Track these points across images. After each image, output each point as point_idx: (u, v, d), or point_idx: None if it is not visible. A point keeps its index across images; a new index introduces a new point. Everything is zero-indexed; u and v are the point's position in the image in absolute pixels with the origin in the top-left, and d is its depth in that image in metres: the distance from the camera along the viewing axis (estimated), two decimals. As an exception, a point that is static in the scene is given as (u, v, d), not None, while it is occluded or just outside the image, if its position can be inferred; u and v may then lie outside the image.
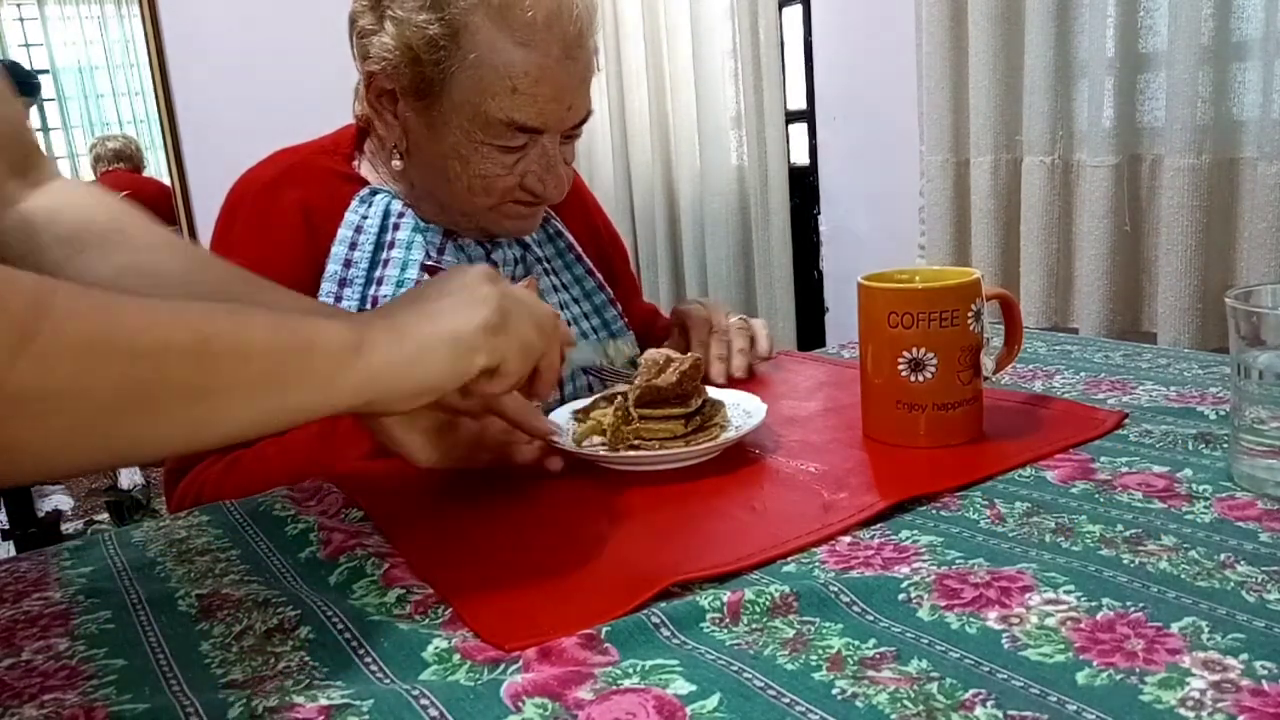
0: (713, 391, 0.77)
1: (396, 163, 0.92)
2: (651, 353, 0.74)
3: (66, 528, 2.61)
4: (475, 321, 0.56)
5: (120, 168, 2.77)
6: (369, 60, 0.87)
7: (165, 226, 0.70)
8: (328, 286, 0.90)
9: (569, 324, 1.00)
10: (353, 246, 0.92)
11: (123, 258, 0.65)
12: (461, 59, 0.82)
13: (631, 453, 0.70)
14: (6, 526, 2.06)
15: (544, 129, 0.86)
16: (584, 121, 0.90)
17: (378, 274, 0.91)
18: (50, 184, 0.69)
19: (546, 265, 1.02)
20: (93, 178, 2.69)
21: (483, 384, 0.58)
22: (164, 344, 0.43)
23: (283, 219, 0.91)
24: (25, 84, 2.67)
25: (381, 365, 0.52)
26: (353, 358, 0.51)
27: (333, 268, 0.91)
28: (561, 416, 0.78)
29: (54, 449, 0.40)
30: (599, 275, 1.06)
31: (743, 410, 0.76)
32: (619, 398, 0.73)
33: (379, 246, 0.92)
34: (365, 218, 0.92)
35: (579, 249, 1.06)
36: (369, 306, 0.90)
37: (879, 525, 0.58)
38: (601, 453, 0.71)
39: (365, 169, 0.97)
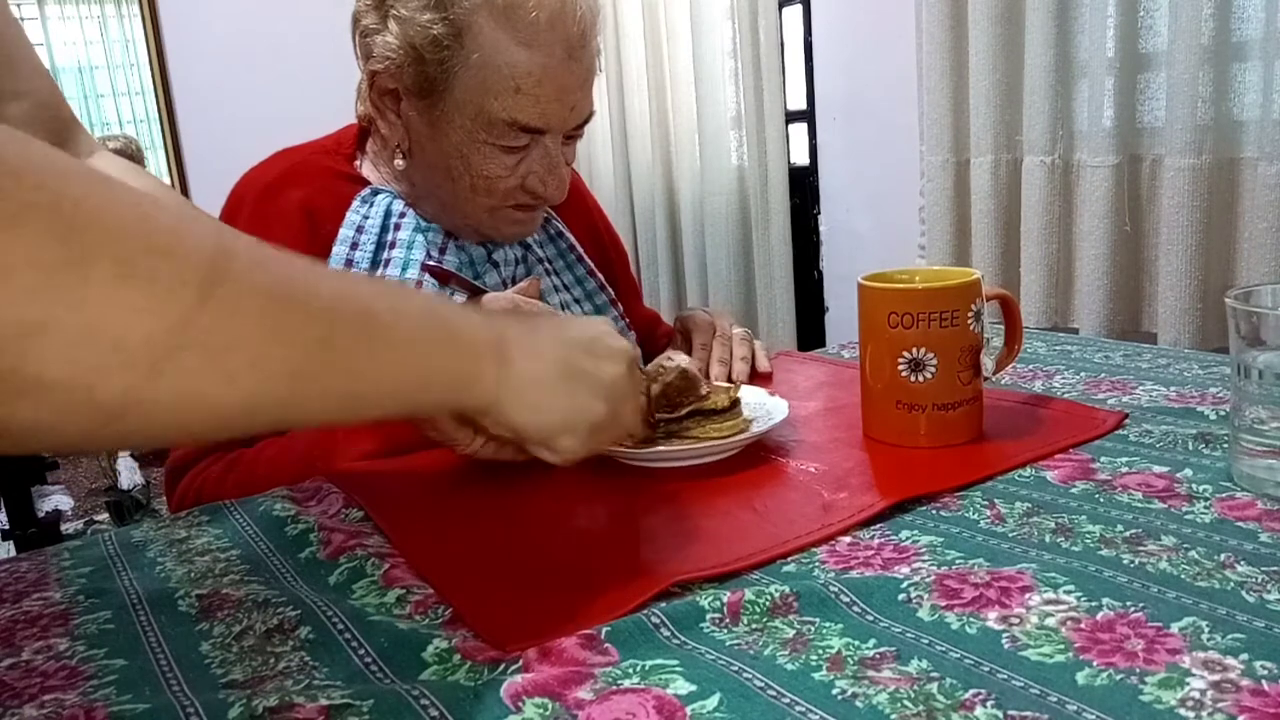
0: (744, 392, 0.77)
1: (399, 162, 0.93)
2: (651, 365, 0.74)
3: (66, 528, 2.61)
4: (591, 412, 0.58)
5: (120, 168, 2.76)
6: (372, 59, 0.87)
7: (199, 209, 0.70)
8: None
9: None
10: (354, 247, 0.92)
11: None
12: (465, 58, 0.83)
13: (641, 449, 0.70)
14: (6, 526, 2.06)
15: (546, 129, 0.86)
16: (586, 122, 0.90)
17: (379, 274, 0.91)
18: (90, 160, 0.69)
19: (548, 266, 1.02)
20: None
21: (544, 452, 0.59)
22: (336, 306, 0.42)
23: (284, 219, 0.91)
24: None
25: (509, 391, 0.53)
26: (490, 367, 0.52)
27: (334, 268, 0.91)
28: None
29: (233, 406, 0.38)
30: (600, 276, 1.06)
31: (765, 409, 0.76)
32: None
33: (380, 246, 0.92)
34: (366, 218, 0.93)
35: (580, 250, 1.06)
36: None
37: (879, 525, 0.58)
38: (626, 448, 0.71)
39: (367, 169, 0.97)
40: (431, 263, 0.92)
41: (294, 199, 0.92)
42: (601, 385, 0.59)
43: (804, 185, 2.37)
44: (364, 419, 0.47)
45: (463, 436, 0.66)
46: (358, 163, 0.98)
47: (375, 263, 0.91)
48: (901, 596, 0.49)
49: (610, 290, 1.06)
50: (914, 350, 0.69)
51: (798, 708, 0.40)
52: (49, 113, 0.67)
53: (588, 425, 0.58)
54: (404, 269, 0.91)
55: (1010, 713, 0.39)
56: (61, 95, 0.70)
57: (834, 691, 0.41)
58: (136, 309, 0.33)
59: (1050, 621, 0.45)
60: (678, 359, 0.74)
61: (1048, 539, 0.55)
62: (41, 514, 2.17)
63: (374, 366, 0.44)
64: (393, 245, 0.92)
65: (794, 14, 2.30)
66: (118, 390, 0.33)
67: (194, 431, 0.39)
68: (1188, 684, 0.39)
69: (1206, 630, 0.43)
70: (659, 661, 0.44)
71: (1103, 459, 0.66)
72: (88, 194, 0.32)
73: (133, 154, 2.76)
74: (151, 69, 2.91)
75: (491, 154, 0.86)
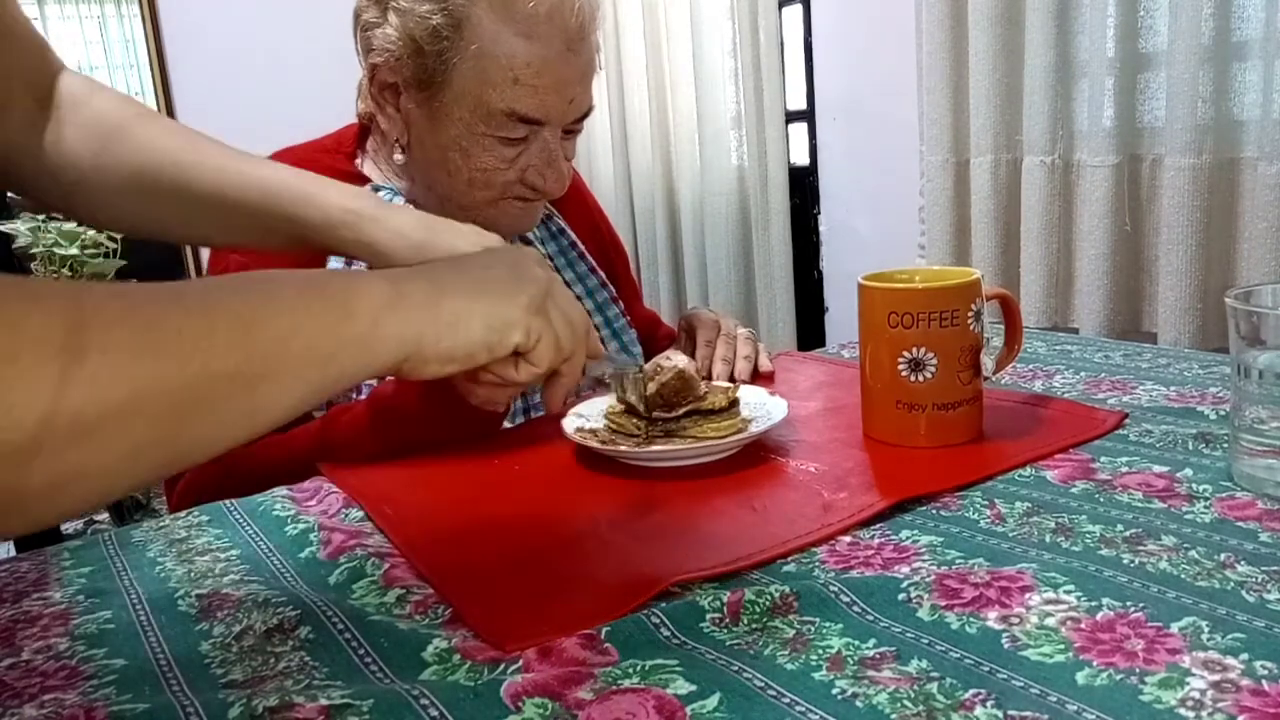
0: (744, 391, 0.78)
1: (398, 156, 0.93)
2: (649, 364, 0.75)
3: (66, 528, 2.60)
4: (518, 297, 0.55)
5: (122, 168, 2.77)
6: (372, 53, 0.87)
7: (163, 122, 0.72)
8: None
9: None
10: None
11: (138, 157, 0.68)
12: (464, 49, 0.83)
13: (641, 449, 0.70)
14: (6, 526, 2.06)
15: (545, 121, 0.86)
16: (585, 117, 0.90)
17: None
18: (62, 91, 0.69)
19: (549, 263, 1.02)
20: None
21: (507, 369, 0.57)
22: (207, 338, 0.40)
23: None
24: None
25: (417, 321, 0.50)
26: (388, 313, 0.49)
27: (335, 264, 0.91)
28: (592, 410, 0.79)
29: (119, 470, 0.37)
30: (601, 274, 1.06)
31: (764, 409, 0.77)
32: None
33: None
34: None
35: (582, 247, 1.06)
36: None
37: (879, 525, 0.58)
38: (622, 449, 0.71)
39: (368, 167, 0.97)
40: None
41: None
42: (510, 271, 0.57)
43: (804, 185, 2.36)
44: (281, 419, 0.44)
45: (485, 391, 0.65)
46: (358, 161, 0.98)
47: None
48: (901, 596, 0.49)
49: (611, 288, 1.06)
50: (914, 350, 0.69)
51: (798, 708, 0.40)
52: (36, 70, 0.67)
53: (523, 309, 0.55)
54: None
55: (1010, 713, 0.39)
56: (43, 41, 0.69)
57: (834, 691, 0.41)
58: None
59: (1050, 621, 0.45)
60: (675, 359, 0.74)
61: (1048, 539, 0.55)
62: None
63: (265, 371, 0.42)
64: None
65: (794, 14, 2.30)
66: None
67: (83, 505, 0.37)
68: (1188, 684, 0.39)
69: (1206, 630, 0.43)
70: (659, 661, 0.44)
71: (1103, 459, 0.66)
72: None
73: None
74: (151, 69, 2.91)
75: (490, 146, 0.87)
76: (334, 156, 0.97)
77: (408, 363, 0.51)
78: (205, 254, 2.51)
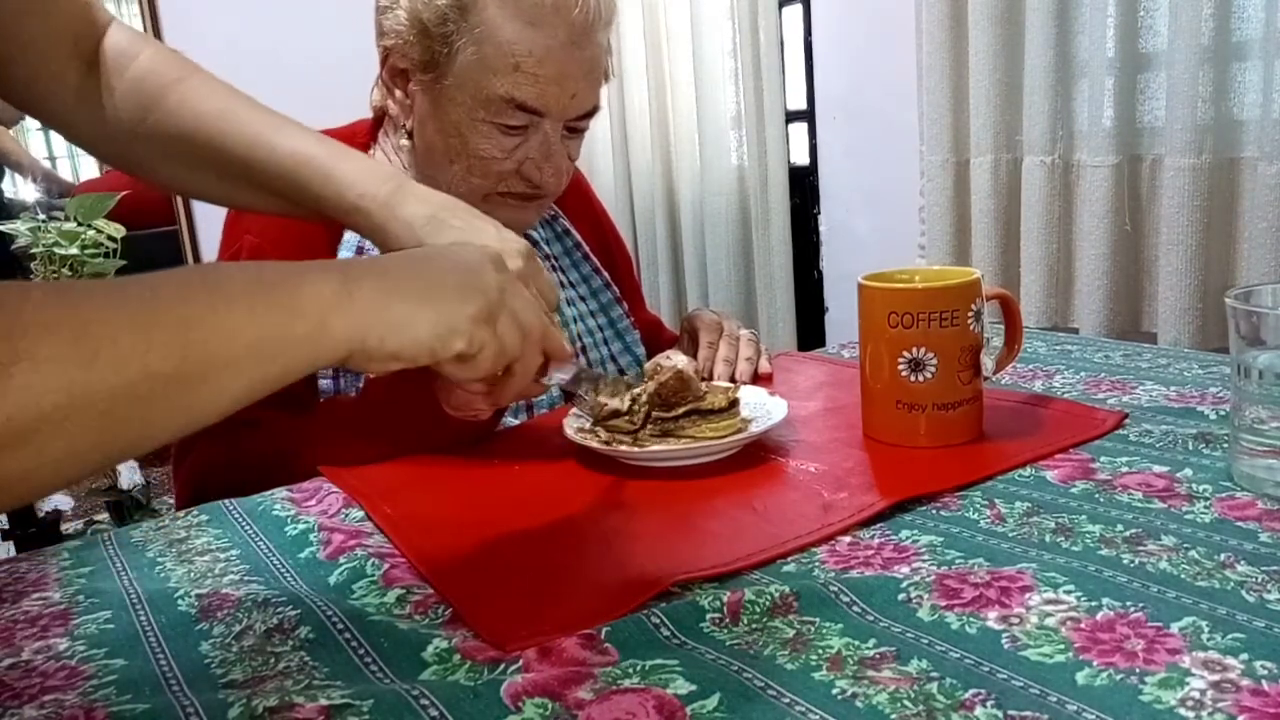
0: (744, 392, 0.77)
1: (403, 141, 0.93)
2: (649, 364, 0.75)
3: (66, 528, 2.60)
4: (466, 308, 0.55)
5: (128, 167, 2.77)
6: (385, 36, 0.89)
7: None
8: None
9: (575, 321, 1.00)
10: None
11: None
12: (468, 33, 0.84)
13: (641, 449, 0.70)
14: (6, 526, 2.06)
15: (544, 112, 0.86)
16: (589, 115, 0.91)
17: None
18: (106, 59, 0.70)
19: (554, 263, 1.02)
20: (98, 174, 2.70)
21: (451, 367, 0.57)
22: (145, 342, 0.40)
23: None
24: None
25: (363, 322, 0.51)
26: (336, 313, 0.49)
27: (345, 254, 0.91)
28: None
29: (54, 472, 0.38)
30: (606, 274, 1.06)
31: (764, 409, 0.77)
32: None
33: None
34: None
35: (586, 248, 1.06)
36: None
37: (879, 525, 0.58)
38: (622, 449, 0.71)
39: (380, 158, 0.98)
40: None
41: None
42: (464, 277, 0.57)
43: (804, 185, 2.36)
44: (225, 412, 0.45)
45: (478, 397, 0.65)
46: (372, 151, 0.98)
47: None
48: (901, 596, 0.49)
49: (615, 289, 1.06)
50: (914, 350, 0.69)
51: (798, 708, 0.40)
52: (82, 34, 0.68)
53: (469, 319, 0.55)
54: None
55: (1010, 713, 0.39)
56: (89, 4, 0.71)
57: (834, 691, 0.41)
58: None
59: (1050, 621, 0.45)
60: (675, 359, 0.74)
61: (1048, 539, 0.55)
62: (41, 514, 2.17)
63: (206, 370, 0.43)
64: None
65: (794, 14, 2.30)
66: None
67: (25, 501, 0.39)
68: (1188, 684, 0.39)
69: (1206, 630, 0.43)
70: (659, 661, 0.44)
71: (1103, 459, 0.66)
72: None
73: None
74: (151, 69, 2.90)
75: (489, 133, 0.87)
76: (349, 145, 0.97)
77: (352, 359, 0.51)
78: (204, 255, 2.51)
